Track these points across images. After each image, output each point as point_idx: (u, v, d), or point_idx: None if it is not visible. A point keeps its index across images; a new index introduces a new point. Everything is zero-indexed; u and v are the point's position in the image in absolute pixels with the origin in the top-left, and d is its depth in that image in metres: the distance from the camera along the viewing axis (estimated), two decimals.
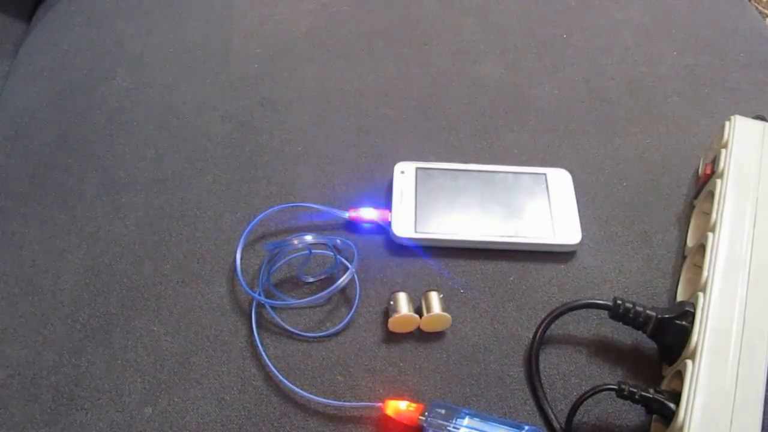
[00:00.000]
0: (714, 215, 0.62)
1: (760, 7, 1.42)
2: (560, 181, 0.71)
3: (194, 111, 0.78)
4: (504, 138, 0.76)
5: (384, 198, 0.70)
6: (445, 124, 0.77)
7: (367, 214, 0.67)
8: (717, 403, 0.51)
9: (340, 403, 0.56)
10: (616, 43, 0.88)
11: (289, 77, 0.82)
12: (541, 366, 0.59)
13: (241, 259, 0.64)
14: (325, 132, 0.76)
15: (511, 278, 0.64)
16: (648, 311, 0.58)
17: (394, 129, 0.77)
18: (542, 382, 0.58)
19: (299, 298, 0.62)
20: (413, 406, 0.55)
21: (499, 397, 0.57)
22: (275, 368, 0.58)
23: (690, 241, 0.66)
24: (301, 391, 0.56)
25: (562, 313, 0.60)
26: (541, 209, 0.68)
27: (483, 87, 0.82)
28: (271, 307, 0.62)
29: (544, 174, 0.71)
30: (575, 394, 0.57)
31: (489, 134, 0.76)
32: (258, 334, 0.60)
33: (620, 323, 0.59)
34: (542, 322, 0.60)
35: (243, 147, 0.74)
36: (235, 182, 0.71)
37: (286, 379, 0.57)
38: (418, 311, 0.61)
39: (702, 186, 0.68)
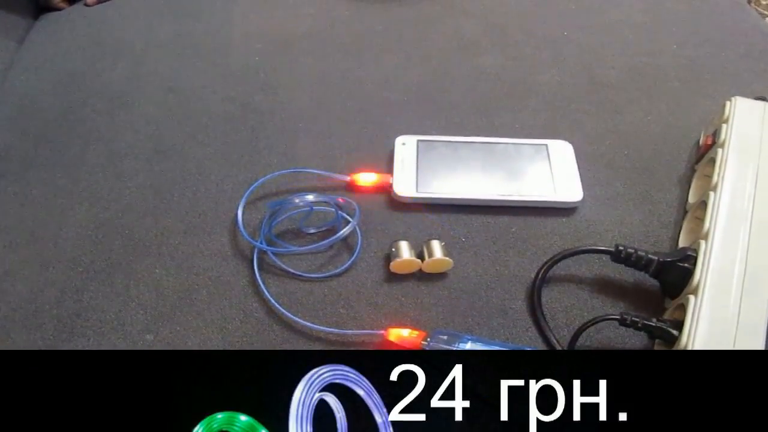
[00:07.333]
0: (715, 177, 0.66)
1: (759, 9, 1.51)
2: (561, 150, 0.75)
3: (195, 94, 0.85)
4: (505, 116, 0.81)
5: (385, 167, 0.74)
6: (446, 106, 0.83)
7: (369, 177, 0.72)
8: (719, 330, 0.55)
9: (343, 331, 0.60)
10: (616, 40, 0.94)
11: (290, 69, 0.89)
12: (544, 301, 0.63)
13: (243, 216, 0.68)
14: (326, 112, 0.82)
15: (513, 229, 0.69)
16: (650, 255, 0.62)
17: (395, 111, 0.82)
18: (544, 314, 0.62)
19: (301, 246, 0.67)
20: (415, 332, 0.59)
21: (501, 326, 0.61)
22: (277, 302, 0.62)
23: (692, 198, 0.71)
24: (303, 321, 0.60)
25: (565, 257, 0.64)
26: (542, 172, 0.73)
27: (484, 75, 0.88)
28: (273, 254, 0.66)
29: (546, 144, 0.76)
30: (578, 323, 0.60)
31: (490, 113, 0.82)
32: (260, 275, 0.64)
33: (622, 266, 0.64)
34: (544, 264, 0.64)
35: (244, 123, 0.80)
36: (236, 152, 0.77)
37: (288, 311, 0.61)
38: (420, 256, 0.65)
39: (703, 154, 0.73)
